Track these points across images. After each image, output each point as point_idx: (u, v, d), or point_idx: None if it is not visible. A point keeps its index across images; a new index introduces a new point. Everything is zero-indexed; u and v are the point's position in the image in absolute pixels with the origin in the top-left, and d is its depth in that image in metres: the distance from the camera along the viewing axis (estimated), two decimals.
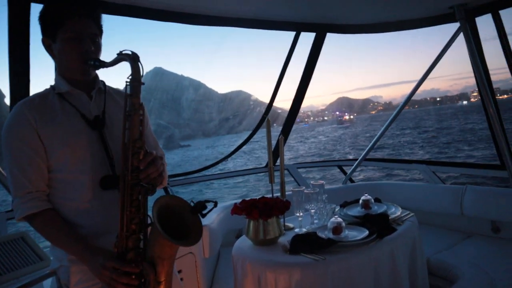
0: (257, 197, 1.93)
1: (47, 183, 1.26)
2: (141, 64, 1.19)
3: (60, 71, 1.33)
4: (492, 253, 2.51)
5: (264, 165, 4.00)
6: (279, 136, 2.21)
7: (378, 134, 3.52)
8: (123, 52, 1.19)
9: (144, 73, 1.24)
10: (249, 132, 3.89)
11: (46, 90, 1.33)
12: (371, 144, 3.59)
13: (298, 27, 3.15)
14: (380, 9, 2.83)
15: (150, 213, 1.19)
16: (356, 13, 2.92)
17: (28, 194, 1.22)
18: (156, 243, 1.17)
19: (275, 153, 3.50)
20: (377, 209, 2.17)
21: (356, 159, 3.80)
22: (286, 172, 3.85)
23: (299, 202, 2.08)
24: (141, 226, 1.20)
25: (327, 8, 2.78)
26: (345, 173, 3.93)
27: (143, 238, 1.21)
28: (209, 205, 1.24)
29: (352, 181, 3.89)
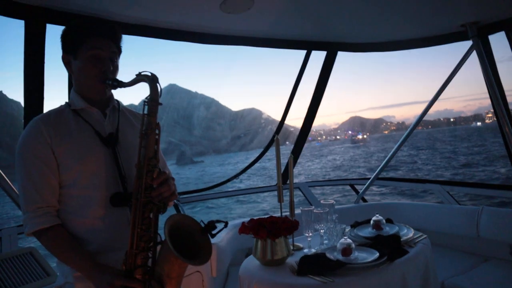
0: (266, 216, 1.92)
1: (58, 199, 1.28)
2: (160, 86, 1.23)
3: (77, 88, 1.38)
4: (510, 278, 2.41)
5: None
6: (290, 157, 2.20)
7: (391, 153, 3.49)
8: (142, 73, 1.23)
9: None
10: (260, 150, 3.90)
11: (62, 106, 1.38)
12: (383, 163, 3.56)
13: (308, 46, 3.19)
14: (390, 27, 2.85)
15: (159, 231, 1.21)
16: (367, 31, 2.94)
17: (39, 209, 1.24)
18: (165, 262, 1.18)
19: (286, 171, 3.49)
20: (388, 230, 2.13)
21: (369, 178, 3.76)
22: (297, 190, 3.84)
23: (309, 221, 2.05)
24: (151, 244, 1.22)
25: (337, 27, 2.82)
26: (357, 192, 3.88)
27: (151, 256, 1.22)
28: (219, 225, 1.25)
29: (364, 200, 3.84)
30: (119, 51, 1.36)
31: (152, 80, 1.22)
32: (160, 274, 1.18)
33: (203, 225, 1.24)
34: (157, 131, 1.24)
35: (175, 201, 2.93)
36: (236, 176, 3.95)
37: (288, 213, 2.29)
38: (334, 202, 2.13)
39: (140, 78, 1.22)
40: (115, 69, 1.35)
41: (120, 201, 1.28)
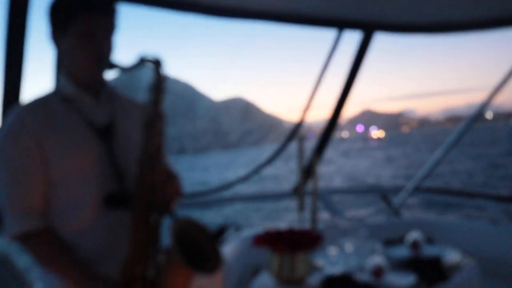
0: (284, 228, 1.98)
1: (44, 199, 1.33)
2: (165, 71, 1.30)
3: (66, 70, 1.42)
4: None
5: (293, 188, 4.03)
6: (313, 157, 2.26)
7: (437, 156, 3.49)
8: (145, 57, 1.29)
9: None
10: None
11: (48, 93, 1.42)
12: (426, 169, 3.56)
13: (340, 24, 3.20)
14: (444, 6, 2.84)
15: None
16: (414, 10, 2.94)
17: (23, 210, 1.29)
18: (168, 272, 1.25)
19: (305, 175, 3.51)
20: (428, 250, 2.17)
21: (404, 187, 3.78)
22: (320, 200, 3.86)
23: (334, 236, 2.11)
24: (152, 251, 1.28)
25: (376, 2, 2.82)
26: (390, 204, 3.91)
27: (152, 266, 1.28)
28: (231, 230, 1.32)
29: (398, 214, 3.86)
30: (114, 27, 1.41)
31: (156, 64, 1.28)
32: (161, 287, 1.25)
33: (211, 229, 1.30)
34: (161, 123, 1.30)
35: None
36: (247, 177, 4.01)
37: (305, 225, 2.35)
38: (365, 216, 2.19)
39: (142, 61, 1.28)
40: (110, 48, 1.39)
41: (116, 202, 1.34)
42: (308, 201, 2.28)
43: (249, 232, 3.03)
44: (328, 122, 3.71)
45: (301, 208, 2.14)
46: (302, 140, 2.06)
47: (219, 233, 1.30)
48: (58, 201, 1.33)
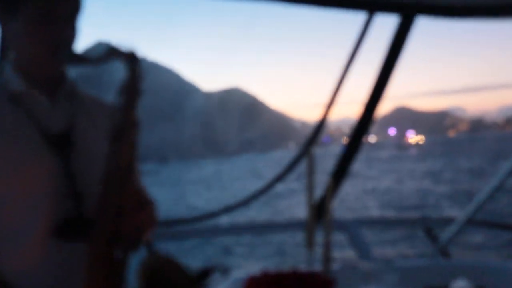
0: (287, 269, 1.99)
1: None
2: (141, 66, 1.33)
3: (14, 61, 1.44)
4: None
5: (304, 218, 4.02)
6: (328, 187, 2.25)
7: (502, 174, 3.43)
8: (116, 48, 1.31)
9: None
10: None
11: None
12: (486, 193, 3.52)
13: (372, 7, 3.25)
14: None
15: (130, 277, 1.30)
16: None
17: None
18: None
19: (321, 204, 3.50)
20: None
21: (454, 219, 3.75)
22: (340, 231, 3.83)
23: (351, 282, 2.11)
24: None
25: None
26: (435, 240, 3.86)
27: None
28: (216, 274, 1.33)
29: (446, 254, 3.82)
30: (79, 9, 1.42)
31: (130, 57, 1.31)
32: None
33: (193, 272, 1.30)
34: (134, 132, 1.32)
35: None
36: (247, 202, 4.02)
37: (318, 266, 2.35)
38: (395, 257, 2.18)
39: (112, 53, 1.31)
40: (73, 34, 1.42)
41: (71, 231, 1.35)
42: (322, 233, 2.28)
43: (241, 274, 3.03)
44: (355, 130, 3.69)
45: (310, 244, 2.15)
46: (312, 156, 2.05)
47: (202, 276, 1.30)
48: None
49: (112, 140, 1.31)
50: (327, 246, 2.19)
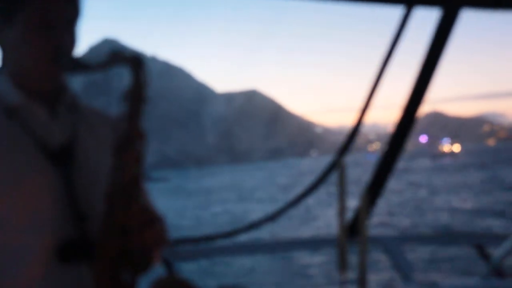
0: None
1: None
2: (147, 73, 1.34)
3: (10, 72, 1.46)
4: None
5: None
6: (364, 195, 2.23)
7: None
8: (119, 52, 1.32)
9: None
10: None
11: None
12: None
13: (412, 0, 3.24)
14: None
15: None
16: None
17: None
18: None
19: (354, 221, 3.48)
20: None
21: (507, 235, 3.70)
22: (376, 250, 3.80)
23: None
24: None
25: None
26: (487, 258, 3.81)
27: None
28: None
29: (501, 273, 3.77)
30: (78, 15, 1.45)
31: (135, 63, 1.32)
32: None
33: None
34: (140, 144, 1.32)
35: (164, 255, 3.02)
36: (272, 218, 4.03)
37: None
38: (441, 278, 2.16)
39: (116, 59, 1.31)
40: (73, 41, 1.44)
41: (74, 253, 1.35)
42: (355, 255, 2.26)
43: None
44: (393, 137, 3.66)
45: (342, 268, 2.13)
46: (343, 168, 2.04)
47: None
48: None
49: (116, 153, 1.31)
50: (363, 268, 2.17)
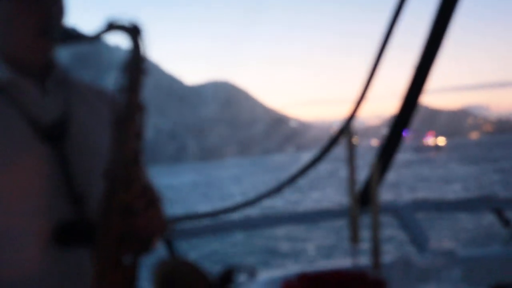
0: (328, 268, 1.96)
1: None
2: (145, 43, 1.31)
3: None
4: None
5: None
6: (374, 163, 2.21)
7: None
8: (115, 23, 1.30)
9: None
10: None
11: None
12: None
13: None
14: None
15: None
16: None
17: None
18: None
19: (365, 189, 3.47)
20: None
21: None
22: (391, 217, 3.80)
23: (407, 280, 2.07)
24: None
25: None
26: (508, 224, 3.79)
27: None
28: (241, 275, 1.31)
29: None
30: None
31: (133, 31, 1.30)
32: None
33: (215, 275, 1.30)
34: (139, 117, 1.31)
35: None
36: (277, 190, 4.03)
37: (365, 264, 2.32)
38: (458, 247, 2.14)
39: (111, 28, 1.30)
40: (62, 11, 1.42)
41: (72, 234, 1.35)
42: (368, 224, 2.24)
43: (271, 277, 3.00)
44: (400, 114, 3.68)
45: (355, 239, 2.11)
46: (351, 136, 2.02)
47: (224, 280, 1.29)
48: None
49: (115, 128, 1.30)
50: (376, 239, 2.15)
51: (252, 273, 1.32)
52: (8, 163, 1.33)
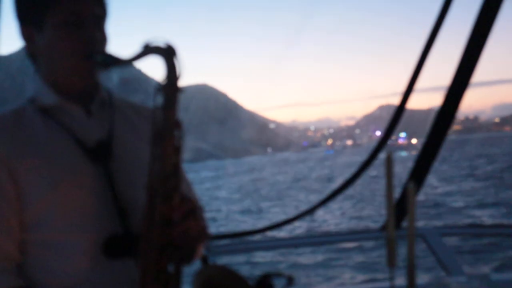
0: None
1: (19, 248, 1.42)
2: (180, 62, 1.37)
3: (45, 74, 1.54)
4: None
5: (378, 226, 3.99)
6: (409, 186, 2.21)
7: None
8: (151, 44, 1.36)
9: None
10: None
11: (21, 104, 1.53)
12: None
13: None
14: None
15: None
16: None
17: None
18: None
19: (400, 209, 3.46)
20: None
21: None
22: (418, 242, 3.78)
23: None
24: None
25: None
26: None
27: None
28: (280, 282, 1.36)
29: None
30: (106, 13, 1.52)
31: (168, 53, 1.36)
32: None
33: (254, 282, 1.36)
34: (177, 133, 1.37)
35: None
36: (314, 209, 4.04)
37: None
38: (488, 270, 2.13)
39: (148, 51, 1.36)
40: (104, 38, 1.51)
41: (119, 248, 1.42)
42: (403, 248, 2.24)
43: None
44: (437, 122, 3.60)
45: (391, 262, 2.11)
46: (390, 155, 2.01)
47: (263, 285, 1.33)
48: (38, 250, 1.43)
49: (154, 142, 1.37)
50: (411, 262, 2.16)
51: (290, 280, 1.36)
52: (60, 181, 1.41)
